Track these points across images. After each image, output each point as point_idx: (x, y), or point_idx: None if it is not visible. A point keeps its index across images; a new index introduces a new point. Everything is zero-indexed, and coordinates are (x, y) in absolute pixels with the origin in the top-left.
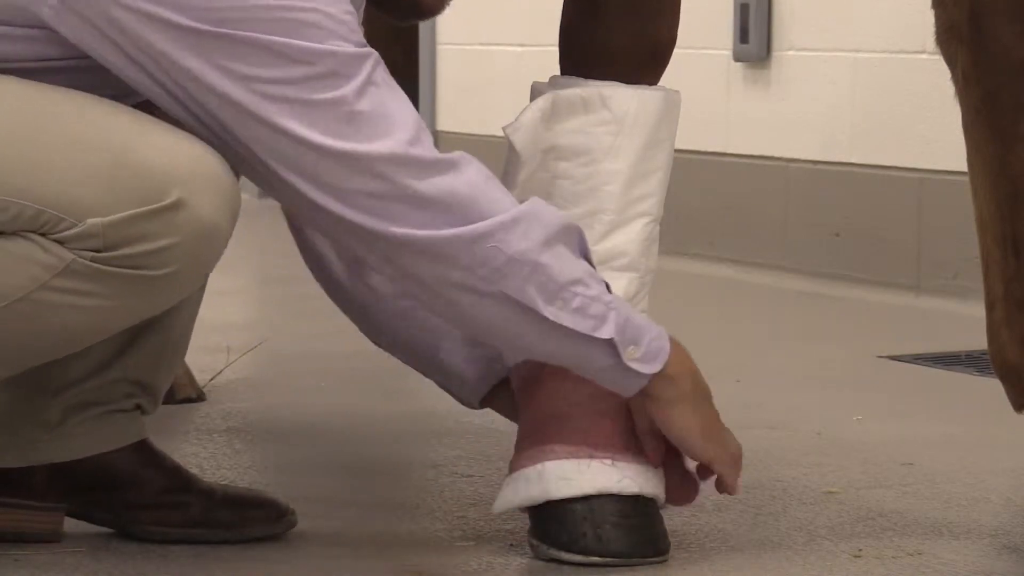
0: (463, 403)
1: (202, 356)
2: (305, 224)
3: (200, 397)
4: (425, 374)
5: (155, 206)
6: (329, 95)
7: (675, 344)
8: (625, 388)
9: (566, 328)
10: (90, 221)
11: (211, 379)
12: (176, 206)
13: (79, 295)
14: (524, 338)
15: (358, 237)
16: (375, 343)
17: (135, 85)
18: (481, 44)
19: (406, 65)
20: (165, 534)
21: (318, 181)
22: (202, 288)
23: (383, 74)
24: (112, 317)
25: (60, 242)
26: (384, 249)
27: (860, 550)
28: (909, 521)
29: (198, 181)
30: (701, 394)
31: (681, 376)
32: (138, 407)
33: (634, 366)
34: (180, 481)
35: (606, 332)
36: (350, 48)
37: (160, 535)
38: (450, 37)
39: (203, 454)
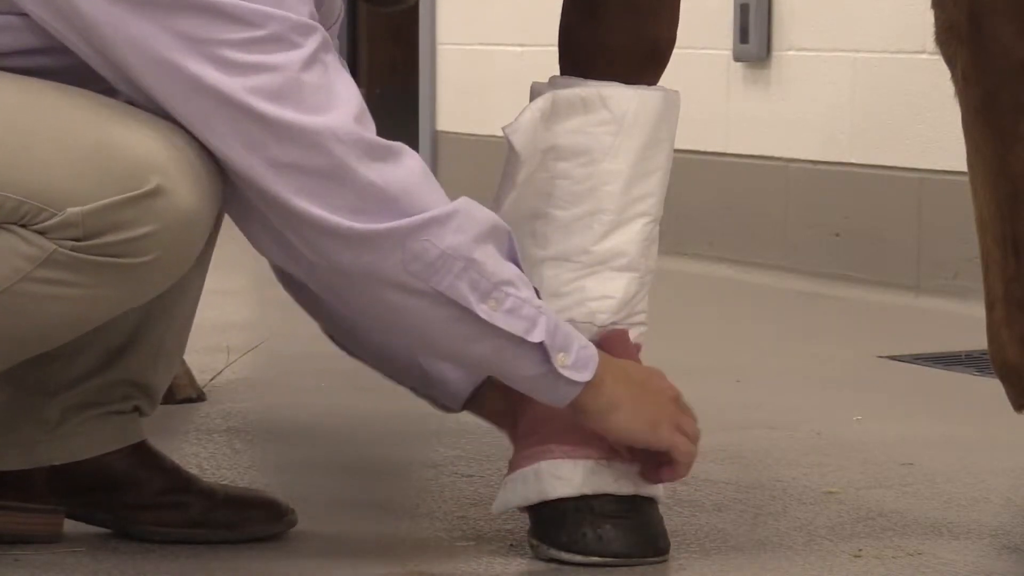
0: (443, 408)
1: (202, 356)
2: (234, 203)
3: (200, 397)
4: (398, 380)
5: (133, 193)
6: (273, 58)
7: (599, 351)
8: (556, 398)
9: (498, 329)
10: (69, 210)
11: (211, 379)
12: (155, 193)
13: (62, 285)
14: (452, 340)
15: (285, 216)
16: (341, 347)
17: (96, 67)
18: (481, 44)
19: (406, 65)
20: (165, 534)
21: (255, 152)
22: (199, 289)
23: (331, 55)
24: (96, 307)
25: (41, 232)
26: (309, 235)
27: (860, 550)
28: (909, 521)
29: (177, 168)
30: (636, 391)
31: (608, 382)
32: (136, 408)
33: (565, 373)
34: (180, 481)
35: (537, 336)
36: (301, 18)
37: (160, 535)
38: (450, 37)
39: (203, 454)
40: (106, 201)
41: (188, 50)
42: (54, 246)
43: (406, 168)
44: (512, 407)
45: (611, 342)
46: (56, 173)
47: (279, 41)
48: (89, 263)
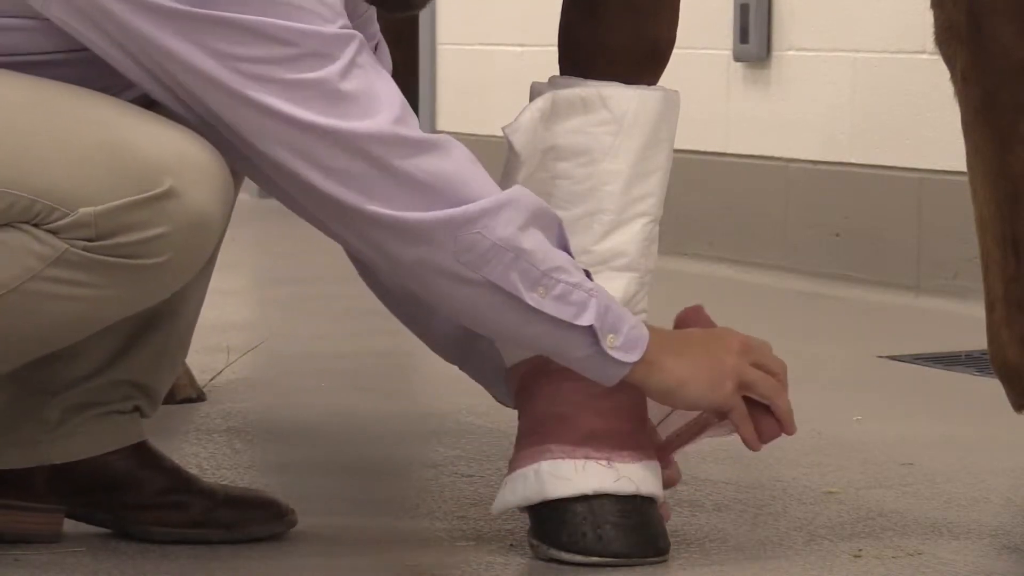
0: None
1: (202, 356)
2: (292, 205)
3: (200, 397)
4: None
5: (147, 194)
6: (313, 75)
7: (652, 329)
8: (606, 377)
9: (547, 315)
10: (82, 210)
11: (211, 379)
12: (168, 195)
13: (73, 285)
14: (503, 324)
15: (338, 214)
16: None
17: (124, 71)
18: (481, 44)
19: (406, 65)
20: (165, 534)
21: (303, 157)
22: (204, 290)
23: (368, 56)
24: (106, 307)
25: (53, 232)
26: (363, 228)
27: (860, 550)
28: (909, 521)
29: (190, 170)
30: (691, 360)
31: (661, 358)
32: (137, 409)
33: (614, 354)
34: (180, 481)
35: (586, 319)
36: (334, 29)
37: (160, 535)
38: (450, 37)
39: (203, 454)
40: (119, 202)
41: (226, 67)
42: (66, 246)
43: (452, 159)
44: None
45: (687, 317)
46: (69, 173)
47: (316, 57)
48: (101, 263)
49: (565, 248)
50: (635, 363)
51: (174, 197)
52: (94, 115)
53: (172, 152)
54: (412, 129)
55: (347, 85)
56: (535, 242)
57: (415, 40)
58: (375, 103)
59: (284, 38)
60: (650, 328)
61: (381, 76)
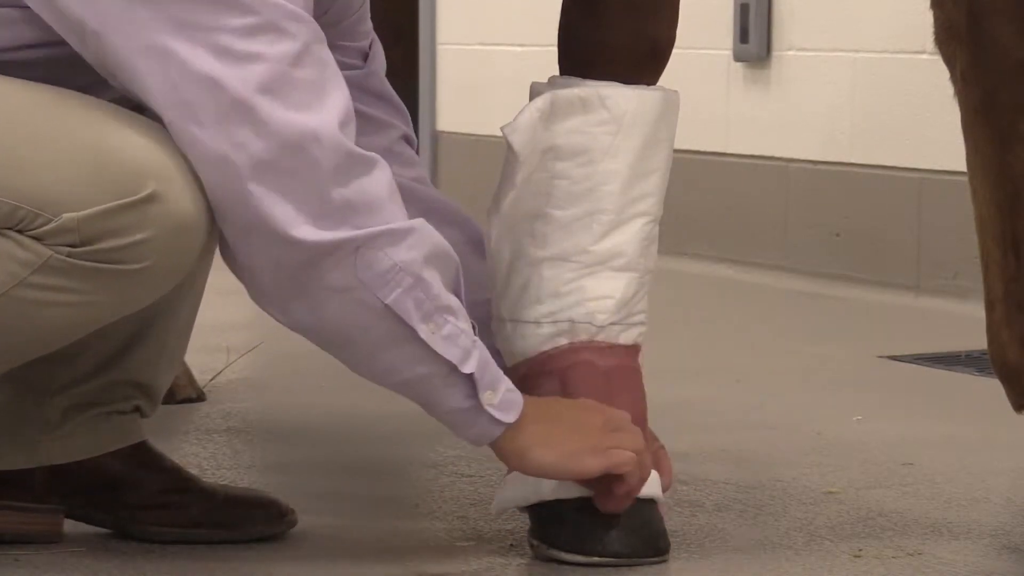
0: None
1: (202, 356)
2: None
3: (200, 397)
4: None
5: (129, 199)
6: (266, 49)
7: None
8: (475, 435)
9: (434, 353)
10: (65, 216)
11: (211, 379)
12: (150, 199)
13: (58, 291)
14: (386, 360)
15: (247, 213)
16: None
17: (85, 57)
18: (481, 44)
19: (406, 65)
20: (165, 534)
21: (236, 145)
22: (201, 289)
23: (324, 48)
24: (93, 312)
25: (37, 238)
26: (266, 238)
27: (860, 550)
28: (909, 521)
29: (174, 174)
30: (552, 427)
31: (525, 423)
32: (137, 409)
33: (490, 411)
34: (180, 481)
35: (469, 367)
36: (292, 7)
37: (160, 535)
38: (450, 37)
39: (203, 454)
40: (102, 207)
41: (183, 35)
42: (50, 252)
43: (376, 182)
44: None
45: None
46: (52, 178)
47: (273, 30)
48: (85, 269)
49: (457, 294)
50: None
51: (157, 201)
52: (77, 119)
53: (156, 156)
54: (351, 138)
55: (299, 72)
56: (433, 276)
57: (415, 40)
58: (324, 99)
59: (243, 4)
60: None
61: (334, 74)
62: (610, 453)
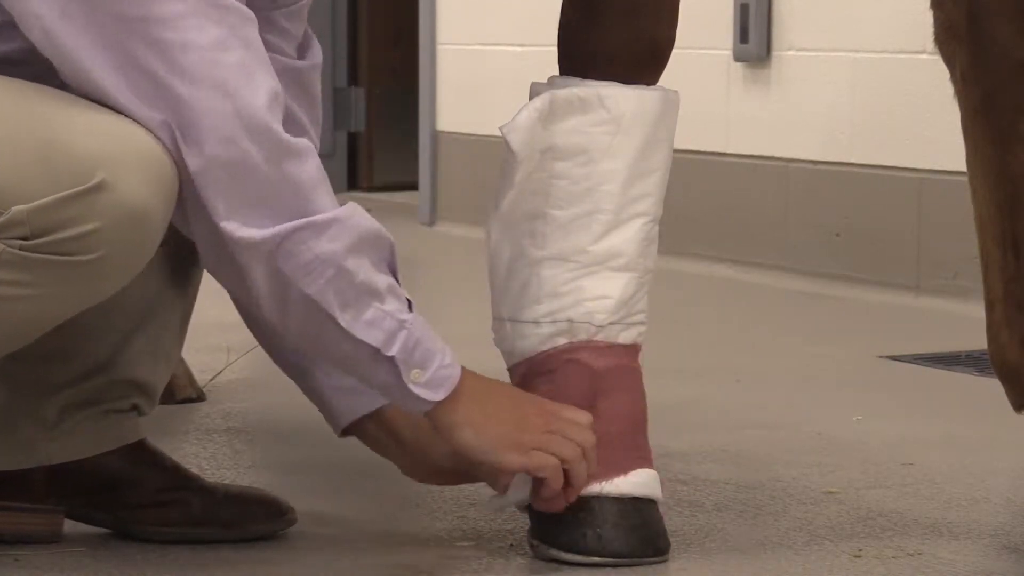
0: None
1: (202, 356)
2: None
3: (200, 397)
4: (304, 393)
5: (77, 189)
6: (191, 36)
7: (468, 374)
8: (407, 407)
9: (355, 338)
10: (15, 208)
11: (211, 379)
12: (99, 188)
13: (14, 286)
14: (314, 340)
15: (191, 201)
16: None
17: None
18: (481, 44)
19: (406, 65)
20: (165, 534)
21: (169, 131)
22: (197, 286)
23: (252, 32)
24: (52, 306)
25: None
26: (205, 224)
27: (860, 550)
28: (909, 521)
29: (125, 162)
30: (491, 412)
31: (463, 401)
32: (135, 407)
33: (415, 390)
34: (179, 481)
35: (392, 350)
36: None
37: (160, 535)
38: (450, 37)
39: (203, 454)
40: (50, 198)
41: (118, 31)
42: (2, 246)
43: (306, 170)
44: (392, 437)
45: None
46: (1, 171)
47: (198, 15)
48: (39, 262)
49: (393, 272)
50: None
51: (106, 190)
52: (27, 109)
53: (106, 144)
54: (278, 122)
55: (225, 56)
56: (358, 263)
57: (415, 40)
58: (251, 82)
59: None
60: (465, 373)
61: (264, 58)
62: (532, 454)
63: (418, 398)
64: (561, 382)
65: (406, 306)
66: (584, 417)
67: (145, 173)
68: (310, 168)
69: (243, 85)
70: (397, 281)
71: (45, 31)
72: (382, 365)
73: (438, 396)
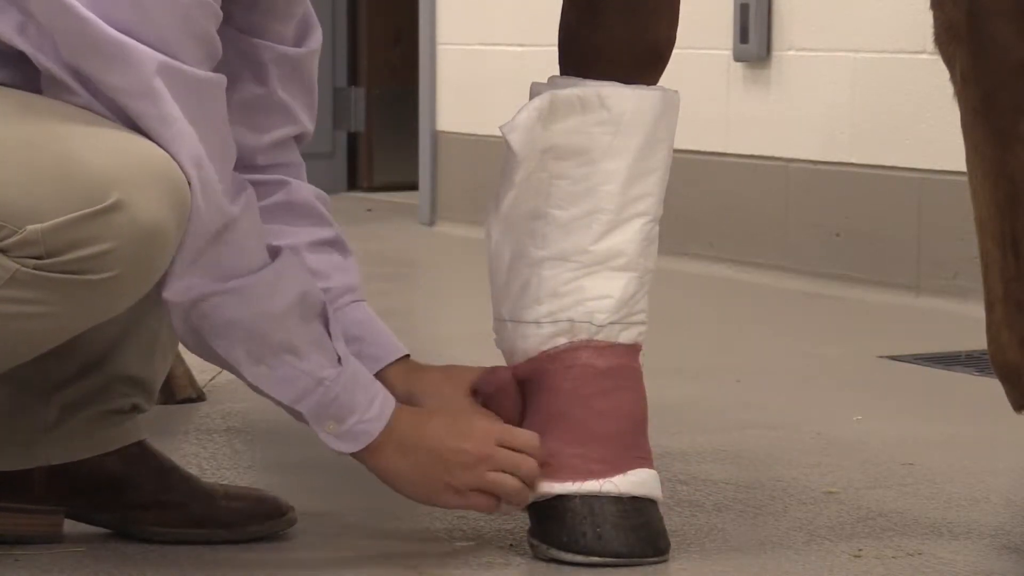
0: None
1: None
2: None
3: (200, 397)
4: None
5: (92, 209)
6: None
7: (401, 417)
8: (333, 450)
9: (264, 392)
10: (29, 228)
11: (211, 379)
12: (114, 208)
13: (27, 304)
14: (239, 377)
15: None
16: None
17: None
18: (481, 44)
19: (406, 65)
20: (165, 534)
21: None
22: None
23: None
24: (64, 323)
25: (2, 251)
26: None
27: (860, 550)
28: (909, 521)
29: (140, 182)
30: (418, 460)
31: (387, 452)
32: (134, 407)
33: (328, 440)
34: (179, 481)
35: (303, 407)
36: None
37: (160, 535)
38: (450, 37)
39: (203, 454)
40: (65, 218)
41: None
42: (16, 265)
43: (239, 232)
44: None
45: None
46: (16, 190)
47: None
48: (52, 281)
49: (326, 325)
50: (355, 452)
51: (121, 210)
52: (42, 128)
53: (120, 164)
54: (211, 182)
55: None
56: (275, 324)
57: (415, 40)
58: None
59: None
60: (398, 417)
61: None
62: (467, 495)
63: (330, 446)
64: (561, 382)
65: (333, 360)
66: (526, 441)
67: (160, 192)
68: (243, 228)
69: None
70: (329, 333)
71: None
72: (297, 413)
73: (352, 448)
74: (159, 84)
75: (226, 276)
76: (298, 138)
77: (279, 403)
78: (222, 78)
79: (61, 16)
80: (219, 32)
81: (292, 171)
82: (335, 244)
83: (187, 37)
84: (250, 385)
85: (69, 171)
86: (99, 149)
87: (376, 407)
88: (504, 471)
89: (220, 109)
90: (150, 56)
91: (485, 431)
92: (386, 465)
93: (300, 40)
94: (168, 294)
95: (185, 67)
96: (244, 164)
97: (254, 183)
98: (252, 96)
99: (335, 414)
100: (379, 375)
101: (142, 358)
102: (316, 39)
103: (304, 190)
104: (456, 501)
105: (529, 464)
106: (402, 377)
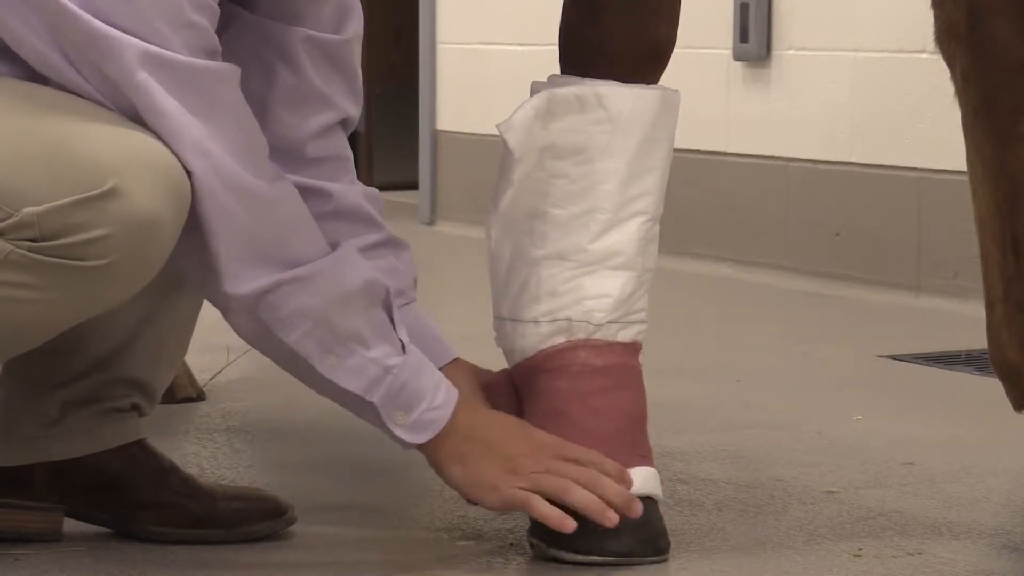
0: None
1: (202, 356)
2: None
3: (200, 397)
4: None
5: (88, 194)
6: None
7: (463, 412)
8: (395, 442)
9: (336, 383)
10: (25, 210)
11: (211, 379)
12: (109, 194)
13: (20, 288)
14: (303, 376)
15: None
16: None
17: None
18: (481, 43)
19: (406, 65)
20: (165, 534)
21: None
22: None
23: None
24: (58, 311)
25: None
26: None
27: (860, 549)
28: (909, 520)
29: (137, 169)
30: (480, 451)
31: (452, 440)
32: (135, 407)
33: (397, 432)
34: (179, 481)
35: (373, 395)
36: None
37: (160, 535)
38: (450, 36)
39: (203, 454)
40: (61, 202)
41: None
42: (11, 247)
43: (287, 215)
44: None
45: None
46: (13, 173)
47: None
48: (47, 265)
49: (389, 314)
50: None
51: (117, 197)
52: (40, 113)
53: (119, 151)
54: (255, 171)
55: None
56: (341, 313)
57: (415, 39)
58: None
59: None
60: (461, 411)
61: (238, 118)
62: (513, 494)
63: (401, 439)
64: (559, 381)
65: (398, 348)
66: (577, 451)
67: (157, 182)
68: (289, 212)
69: (216, 144)
70: (392, 322)
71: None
72: (366, 407)
73: (420, 439)
74: (144, 77)
75: (290, 263)
76: (344, 123)
77: (344, 401)
78: (226, 67)
79: (54, 11)
80: (246, 21)
81: (340, 166)
82: (387, 245)
83: (176, 27)
84: (314, 382)
85: (67, 156)
86: (97, 136)
87: (442, 393)
88: (568, 475)
89: (229, 97)
90: (132, 44)
91: (542, 437)
92: (448, 454)
93: (338, 26)
94: (231, 289)
95: (174, 56)
96: (294, 157)
97: (300, 188)
98: (288, 86)
99: (404, 403)
100: None
101: (147, 362)
102: (354, 25)
103: (351, 193)
104: (500, 500)
105: (587, 475)
106: (451, 377)
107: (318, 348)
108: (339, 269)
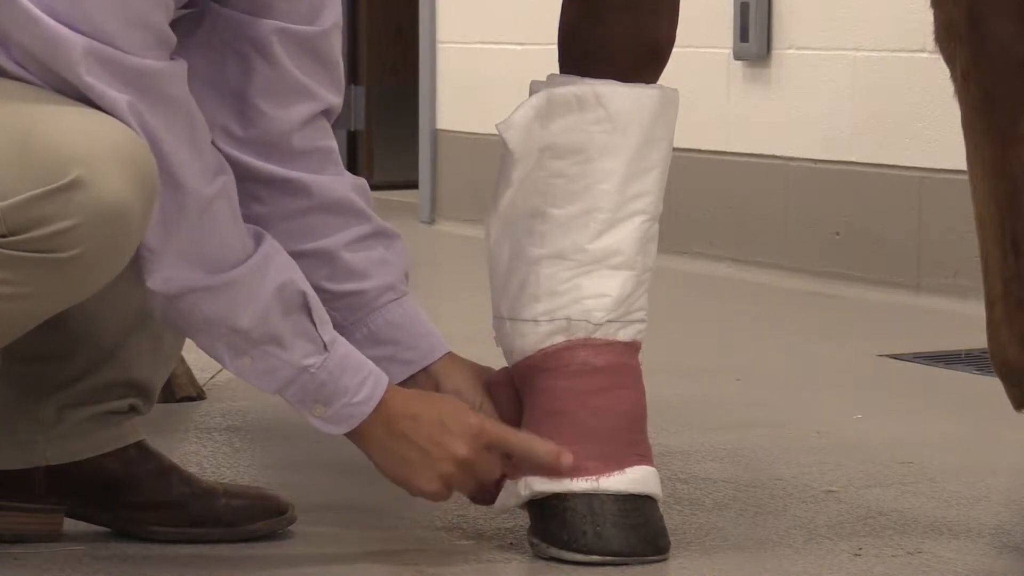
0: None
1: (202, 355)
2: None
3: (200, 396)
4: None
5: (52, 186)
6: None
7: (390, 400)
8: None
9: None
10: None
11: (211, 378)
12: (73, 185)
13: None
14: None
15: None
16: None
17: None
18: (481, 43)
19: (406, 64)
20: (165, 534)
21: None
22: None
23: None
24: (33, 304)
25: None
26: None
27: (860, 549)
28: (909, 520)
29: (102, 159)
30: (400, 445)
31: (375, 433)
32: (133, 408)
33: (315, 422)
34: (179, 480)
35: (285, 394)
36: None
37: (160, 535)
38: (450, 36)
39: (203, 453)
40: (26, 195)
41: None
42: None
43: (212, 215)
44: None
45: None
46: None
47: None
48: (17, 259)
49: (309, 315)
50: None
51: (81, 188)
52: (7, 106)
53: (83, 141)
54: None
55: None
56: (255, 319)
57: (415, 38)
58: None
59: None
60: (393, 399)
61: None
62: (421, 492)
63: (319, 428)
64: (559, 380)
65: (319, 347)
66: (516, 444)
67: (123, 170)
68: (219, 212)
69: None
70: (313, 321)
71: None
72: (288, 401)
73: (338, 430)
74: (91, 80)
75: (208, 266)
76: (326, 113)
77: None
78: (172, 65)
79: (8, 9)
80: (218, 15)
81: (326, 156)
82: (376, 236)
83: (126, 25)
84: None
85: (30, 148)
86: (61, 127)
87: (366, 390)
88: (476, 476)
89: (176, 92)
90: (75, 40)
91: (464, 424)
92: (375, 444)
93: (314, 16)
94: (152, 283)
95: (120, 54)
96: (281, 150)
97: (285, 181)
98: (266, 77)
99: (324, 398)
100: (423, 373)
101: (144, 362)
102: (330, 16)
103: (338, 186)
104: (417, 491)
105: (488, 470)
106: (445, 372)
107: (229, 351)
108: (254, 277)
